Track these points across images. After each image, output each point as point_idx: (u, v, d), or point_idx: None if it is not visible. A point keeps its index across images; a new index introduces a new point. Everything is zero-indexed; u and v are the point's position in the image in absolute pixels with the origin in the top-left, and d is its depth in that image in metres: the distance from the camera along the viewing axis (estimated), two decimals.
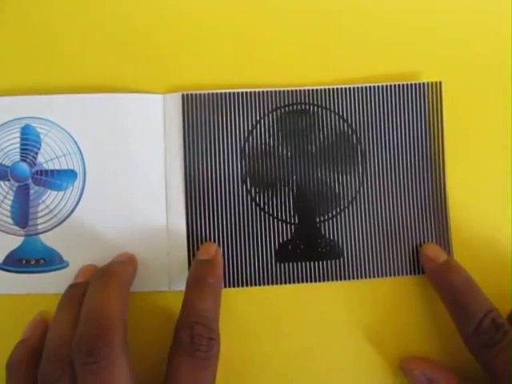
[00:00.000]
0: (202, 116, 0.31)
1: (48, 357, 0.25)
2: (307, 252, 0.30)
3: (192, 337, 0.25)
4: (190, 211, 0.30)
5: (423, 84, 0.31)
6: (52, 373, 0.24)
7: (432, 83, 0.31)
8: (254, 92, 0.31)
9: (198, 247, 0.30)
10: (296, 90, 0.31)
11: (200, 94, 0.31)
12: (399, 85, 0.31)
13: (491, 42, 0.33)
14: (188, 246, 0.30)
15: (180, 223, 0.30)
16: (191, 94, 0.31)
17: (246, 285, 0.30)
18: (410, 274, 0.31)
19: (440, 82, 0.31)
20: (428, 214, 0.31)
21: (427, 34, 0.32)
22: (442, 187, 0.31)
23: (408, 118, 0.31)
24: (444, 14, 0.33)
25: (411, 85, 0.31)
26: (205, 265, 0.28)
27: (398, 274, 0.30)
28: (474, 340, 0.27)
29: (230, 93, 0.31)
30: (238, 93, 0.31)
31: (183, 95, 0.30)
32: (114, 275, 0.27)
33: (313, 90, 0.31)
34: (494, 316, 0.26)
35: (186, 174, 0.30)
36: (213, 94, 0.31)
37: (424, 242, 0.31)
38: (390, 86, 0.31)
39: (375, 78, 0.32)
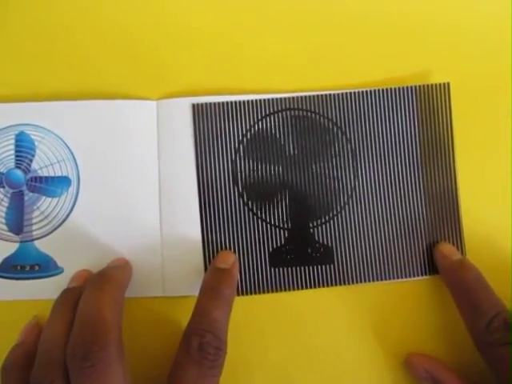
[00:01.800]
0: (203, 124, 0.31)
1: (40, 361, 0.25)
2: (300, 257, 0.31)
3: (201, 344, 0.25)
4: (202, 217, 0.31)
5: (413, 87, 0.31)
6: (43, 376, 0.24)
7: (438, 85, 0.31)
8: (248, 100, 0.31)
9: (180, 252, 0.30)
10: (290, 96, 0.31)
11: (207, 104, 0.31)
12: (389, 89, 0.31)
13: (497, 43, 0.33)
14: (204, 253, 0.30)
15: (174, 228, 0.31)
16: (201, 104, 0.31)
17: (240, 293, 0.30)
18: (403, 277, 0.31)
19: (448, 83, 0.31)
20: (422, 218, 0.31)
21: (427, 36, 0.32)
22: (445, 190, 0.31)
23: (399, 122, 0.31)
24: (444, 15, 0.33)
25: (401, 89, 0.31)
26: (222, 274, 0.29)
27: (392, 278, 0.31)
28: (483, 338, 0.27)
29: (225, 102, 0.31)
30: (232, 101, 0.31)
31: (193, 105, 0.31)
32: (109, 280, 0.27)
33: (307, 97, 0.31)
34: (506, 317, 0.27)
35: (198, 178, 0.31)
36: (218, 103, 0.31)
37: (422, 246, 0.31)
38: (381, 90, 0.31)
39: (369, 83, 0.32)
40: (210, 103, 0.31)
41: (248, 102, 0.31)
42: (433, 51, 0.32)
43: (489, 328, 0.26)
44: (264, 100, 0.31)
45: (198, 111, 0.31)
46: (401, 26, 0.32)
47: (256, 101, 0.31)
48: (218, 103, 0.31)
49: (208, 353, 0.25)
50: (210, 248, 0.30)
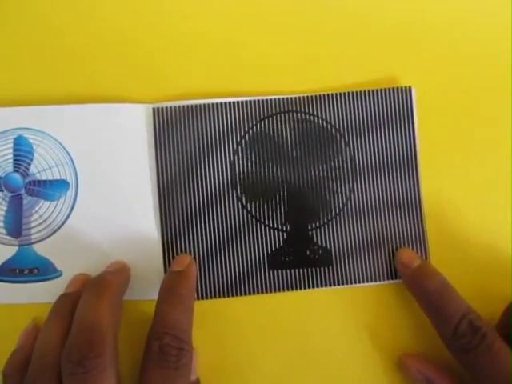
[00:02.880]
0: (190, 127, 0.31)
1: (34, 367, 0.25)
2: (299, 259, 0.31)
3: (161, 347, 0.25)
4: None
5: (409, 88, 0.31)
6: (36, 382, 0.24)
7: (402, 88, 0.31)
8: (243, 101, 0.31)
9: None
10: (283, 98, 0.31)
11: (202, 105, 0.31)
12: (386, 90, 0.31)
13: (474, 45, 0.33)
14: (164, 257, 0.30)
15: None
16: (192, 106, 0.31)
17: (238, 294, 0.30)
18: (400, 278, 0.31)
19: (410, 87, 0.31)
20: (412, 218, 0.31)
21: (411, 40, 0.33)
22: (409, 192, 0.31)
23: (395, 123, 0.31)
24: (426, 19, 0.33)
25: (398, 89, 0.31)
26: (177, 276, 0.28)
27: (390, 279, 0.31)
28: (452, 344, 0.26)
29: (219, 103, 0.31)
30: (227, 102, 0.31)
31: (154, 109, 0.31)
32: (106, 286, 0.27)
33: (300, 98, 0.31)
34: (471, 318, 0.26)
35: (159, 183, 0.30)
36: (204, 104, 0.31)
37: (415, 247, 0.31)
38: (377, 91, 0.31)
39: (363, 84, 0.32)
40: (205, 104, 0.31)
41: (246, 103, 0.31)
42: (426, 53, 0.33)
43: (456, 334, 0.26)
44: (259, 102, 0.31)
45: (193, 113, 0.31)
46: (384, 30, 0.33)
47: (251, 103, 0.31)
48: (213, 104, 0.31)
49: (170, 355, 0.25)
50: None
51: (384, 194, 0.31)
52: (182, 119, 0.31)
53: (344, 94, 0.31)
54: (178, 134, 0.31)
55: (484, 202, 0.32)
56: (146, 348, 0.26)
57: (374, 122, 0.31)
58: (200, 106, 0.31)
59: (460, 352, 0.26)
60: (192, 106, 0.31)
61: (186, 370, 0.25)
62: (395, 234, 0.31)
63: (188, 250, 0.30)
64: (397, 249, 0.31)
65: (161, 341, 0.25)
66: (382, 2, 0.33)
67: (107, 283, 0.27)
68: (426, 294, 0.28)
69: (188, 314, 0.27)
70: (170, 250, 0.30)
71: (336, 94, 0.31)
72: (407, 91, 0.31)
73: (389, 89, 0.31)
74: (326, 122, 0.31)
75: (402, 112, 0.31)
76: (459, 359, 0.26)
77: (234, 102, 0.31)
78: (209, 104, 0.31)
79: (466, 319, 0.26)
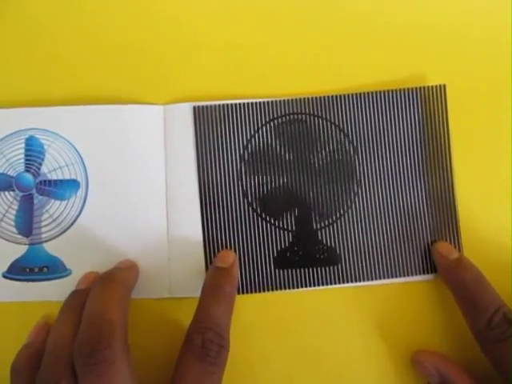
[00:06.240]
0: (206, 127, 0.31)
1: (47, 361, 0.25)
2: (306, 259, 0.31)
3: (204, 341, 0.25)
4: (200, 219, 0.31)
5: (418, 89, 0.32)
6: (50, 376, 0.25)
7: (435, 87, 0.32)
8: (252, 103, 0.31)
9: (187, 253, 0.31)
10: (292, 100, 0.32)
11: (209, 106, 0.31)
12: (393, 91, 0.32)
13: (492, 45, 0.33)
14: (205, 253, 0.31)
15: (181, 231, 0.31)
16: (202, 106, 0.31)
17: (246, 292, 0.31)
18: (407, 276, 0.31)
19: (444, 85, 0.32)
20: (424, 217, 0.31)
21: (424, 39, 0.33)
22: (443, 189, 0.31)
23: (403, 124, 0.31)
24: (440, 18, 0.33)
25: (405, 91, 0.32)
26: (222, 272, 0.29)
27: (396, 277, 0.31)
28: (485, 335, 0.27)
29: (229, 104, 0.31)
30: (236, 104, 0.31)
31: (195, 107, 0.31)
32: (115, 280, 0.28)
33: (306, 99, 0.32)
34: (505, 311, 0.27)
35: (200, 182, 0.31)
36: (221, 105, 0.31)
37: (423, 245, 0.31)
38: (384, 92, 0.32)
39: (371, 85, 0.32)
40: (214, 105, 0.31)
41: (253, 104, 0.31)
42: (431, 54, 0.33)
43: (489, 325, 0.27)
44: (268, 103, 0.31)
45: (200, 114, 0.31)
46: (399, 30, 0.33)
47: (260, 104, 0.31)
48: (221, 105, 0.31)
49: (211, 350, 0.25)
50: (216, 250, 0.31)
51: (390, 194, 0.31)
52: (225, 118, 0.31)
53: (349, 95, 0.32)
54: (221, 133, 0.31)
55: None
56: (186, 340, 0.26)
57: (380, 124, 0.31)
58: (215, 106, 0.31)
59: (490, 342, 0.27)
60: (222, 105, 0.31)
61: (223, 366, 0.26)
62: (400, 233, 0.31)
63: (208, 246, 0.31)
64: (402, 248, 0.31)
65: (204, 335, 0.26)
66: (389, 2, 0.33)
67: (115, 278, 0.28)
68: (463, 285, 0.28)
69: (229, 313, 0.28)
70: (214, 248, 0.31)
71: (342, 96, 0.32)
72: (415, 93, 0.32)
73: (397, 90, 0.32)
74: (331, 123, 0.31)
75: (410, 113, 0.31)
76: (487, 349, 0.27)
77: (241, 104, 0.31)
78: (216, 105, 0.31)
79: (501, 311, 0.27)
